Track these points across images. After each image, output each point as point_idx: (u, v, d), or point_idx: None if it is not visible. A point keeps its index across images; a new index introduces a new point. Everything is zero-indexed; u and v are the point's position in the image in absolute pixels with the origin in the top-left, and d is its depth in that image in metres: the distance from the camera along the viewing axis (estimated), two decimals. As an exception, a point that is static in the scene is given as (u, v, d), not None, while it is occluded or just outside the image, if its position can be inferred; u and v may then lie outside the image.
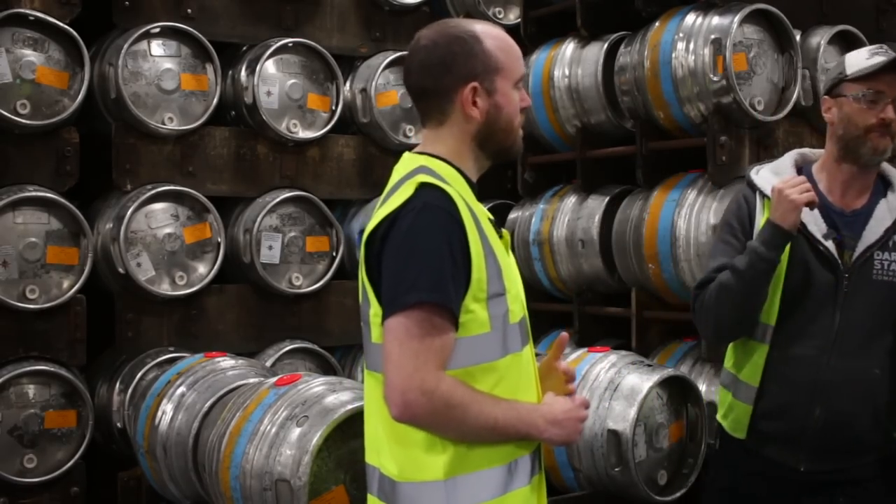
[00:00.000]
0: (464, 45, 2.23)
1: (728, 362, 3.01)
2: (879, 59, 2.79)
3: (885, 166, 2.94)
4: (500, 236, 2.27)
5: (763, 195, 2.88)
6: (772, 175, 2.90)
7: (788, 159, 2.97)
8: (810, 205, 2.73)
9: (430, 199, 2.13)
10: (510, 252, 2.30)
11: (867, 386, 2.82)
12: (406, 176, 2.20)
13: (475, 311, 2.14)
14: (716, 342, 3.63)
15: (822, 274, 2.82)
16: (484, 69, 2.23)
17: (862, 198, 2.88)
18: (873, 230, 2.83)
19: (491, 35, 2.27)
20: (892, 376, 2.84)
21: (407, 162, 2.27)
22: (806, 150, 3.02)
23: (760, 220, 2.85)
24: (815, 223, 2.82)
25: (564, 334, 2.39)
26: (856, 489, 2.87)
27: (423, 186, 2.14)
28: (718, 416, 3.04)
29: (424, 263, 2.09)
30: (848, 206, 2.88)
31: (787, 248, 2.79)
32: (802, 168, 2.95)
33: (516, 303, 2.23)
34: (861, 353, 2.82)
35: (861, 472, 2.87)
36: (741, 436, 2.92)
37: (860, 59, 2.83)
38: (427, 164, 2.22)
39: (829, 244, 2.82)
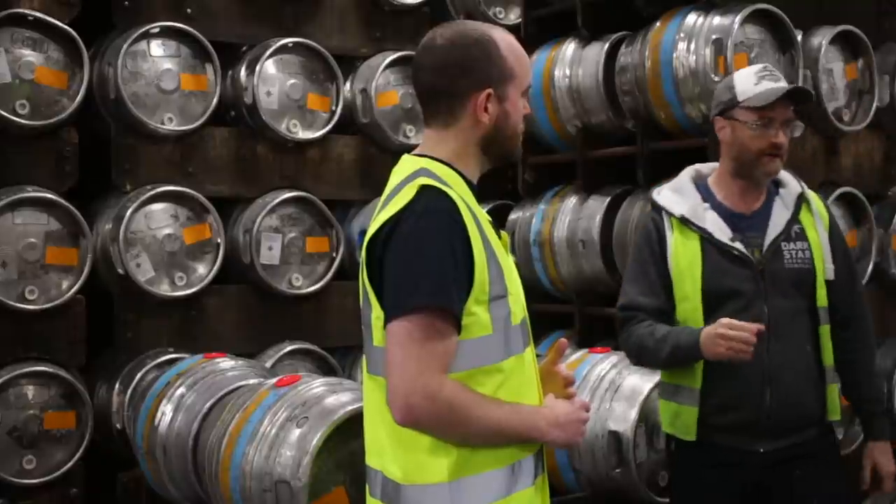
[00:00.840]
0: (483, 50, 2.22)
1: (664, 374, 3.18)
2: (768, 86, 3.02)
3: None
4: (500, 238, 2.26)
5: (669, 214, 3.09)
6: (672, 193, 3.14)
7: (686, 176, 3.19)
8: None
9: (432, 202, 2.12)
10: (509, 253, 2.29)
11: (805, 363, 3.04)
12: (407, 179, 2.19)
13: (477, 313, 2.14)
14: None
15: (740, 272, 3.02)
16: (499, 76, 2.23)
17: (759, 200, 3.11)
18: (776, 224, 3.07)
19: (507, 42, 2.27)
20: (815, 347, 3.06)
21: (406, 164, 2.26)
22: (699, 166, 3.23)
23: (671, 239, 3.07)
24: (720, 230, 3.05)
25: (563, 340, 2.39)
26: (809, 461, 3.04)
27: (424, 189, 2.14)
28: (665, 427, 3.18)
29: (426, 267, 2.08)
30: (748, 208, 3.09)
31: (700, 258, 3.03)
32: (698, 184, 3.15)
33: (517, 304, 2.23)
34: (793, 335, 3.03)
35: (812, 446, 3.05)
36: (691, 438, 3.06)
37: (748, 85, 3.05)
38: (427, 167, 2.22)
39: (738, 245, 3.03)
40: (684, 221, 3.07)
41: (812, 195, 3.15)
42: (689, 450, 3.09)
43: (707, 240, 3.04)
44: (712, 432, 3.03)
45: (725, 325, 2.86)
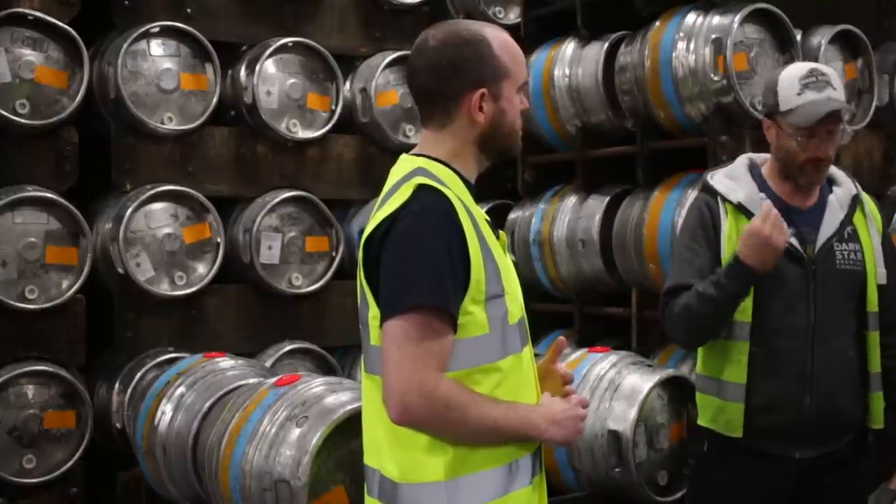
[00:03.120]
0: (475, 50, 2.22)
1: (703, 367, 3.09)
2: (810, 99, 2.91)
3: None
4: (497, 237, 2.26)
5: (725, 199, 2.99)
6: (727, 179, 3.04)
7: (741, 164, 3.09)
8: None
9: (428, 201, 2.13)
10: (507, 253, 2.29)
11: (847, 369, 2.98)
12: (403, 178, 2.19)
13: (474, 312, 2.14)
14: (688, 348, 3.79)
15: (791, 269, 2.93)
16: (493, 75, 2.23)
17: (812, 196, 3.03)
18: (830, 223, 2.99)
19: (500, 40, 2.26)
20: (861, 353, 3.00)
21: (404, 164, 2.27)
22: (753, 155, 3.13)
23: (725, 225, 2.97)
24: None
25: (561, 338, 2.39)
26: (841, 469, 2.99)
27: (420, 189, 2.14)
28: (704, 422, 3.09)
29: (423, 266, 2.08)
30: (802, 203, 3.02)
31: None
32: (753, 173, 3.06)
33: (515, 304, 2.23)
34: (838, 339, 2.96)
35: (845, 452, 3.00)
36: (738, 434, 2.98)
37: (791, 93, 2.94)
38: (424, 167, 2.22)
39: (793, 240, 2.93)
40: (741, 208, 2.97)
41: (866, 197, 3.09)
42: (729, 447, 3.00)
43: None
44: (756, 433, 2.96)
45: (755, 230, 2.78)
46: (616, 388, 3.93)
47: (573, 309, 5.26)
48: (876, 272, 3.00)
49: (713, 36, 4.47)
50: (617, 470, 3.85)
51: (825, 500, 2.98)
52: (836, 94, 2.94)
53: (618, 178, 5.14)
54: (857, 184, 3.09)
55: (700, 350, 3.11)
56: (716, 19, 4.53)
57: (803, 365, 2.91)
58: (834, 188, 3.05)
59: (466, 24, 2.31)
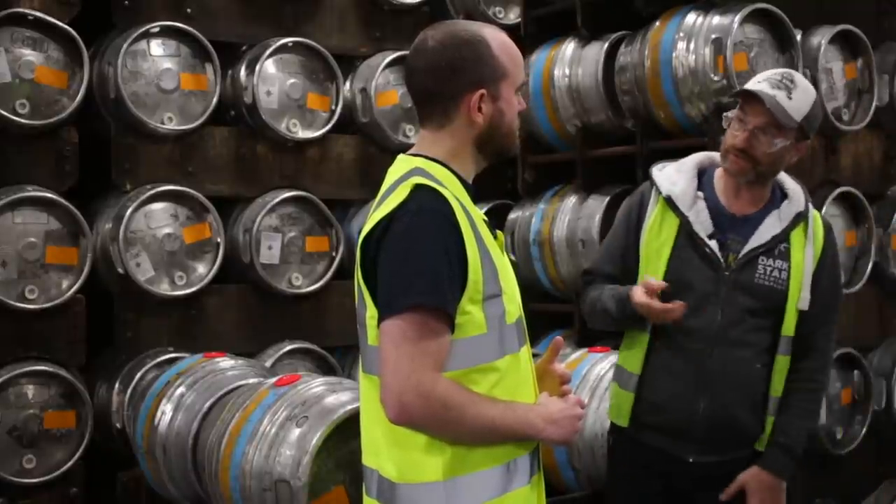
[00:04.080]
0: (474, 50, 2.22)
1: (619, 357, 3.13)
2: (761, 88, 2.88)
3: (784, 178, 3.06)
4: (495, 237, 2.26)
5: (658, 191, 3.01)
6: (674, 172, 3.04)
7: (693, 160, 3.09)
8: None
9: (426, 201, 2.13)
10: (504, 253, 2.30)
11: (748, 379, 2.95)
12: (401, 178, 2.19)
13: (471, 312, 2.14)
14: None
15: (705, 272, 2.94)
16: (492, 75, 2.23)
17: (756, 205, 3.00)
18: (760, 235, 2.96)
19: (499, 41, 2.26)
20: (768, 372, 2.96)
21: (401, 164, 2.27)
22: (714, 154, 3.11)
23: (650, 215, 3.00)
24: (701, 223, 2.96)
25: (559, 338, 2.39)
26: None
27: (418, 189, 2.14)
28: (609, 414, 3.14)
29: (420, 266, 2.09)
30: (740, 210, 2.99)
31: (671, 243, 2.96)
32: (706, 171, 3.06)
33: (512, 303, 2.23)
34: (742, 349, 2.94)
35: (741, 465, 2.97)
36: (623, 423, 3.02)
37: (754, 81, 2.95)
38: (422, 167, 2.22)
39: (713, 244, 2.94)
40: (668, 202, 2.99)
41: (815, 216, 3.03)
42: (623, 443, 3.05)
43: (685, 228, 2.96)
44: (642, 427, 2.99)
45: (645, 305, 2.84)
46: (616, 388, 3.92)
47: (573, 309, 5.26)
48: (799, 296, 2.94)
49: (713, 36, 4.48)
50: (617, 470, 3.84)
51: None
52: (785, 99, 2.87)
53: (618, 178, 5.14)
54: (810, 202, 3.04)
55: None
56: (716, 19, 4.54)
57: (701, 368, 2.92)
58: (784, 202, 3.01)
59: (465, 24, 2.31)
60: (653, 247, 2.98)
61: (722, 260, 2.94)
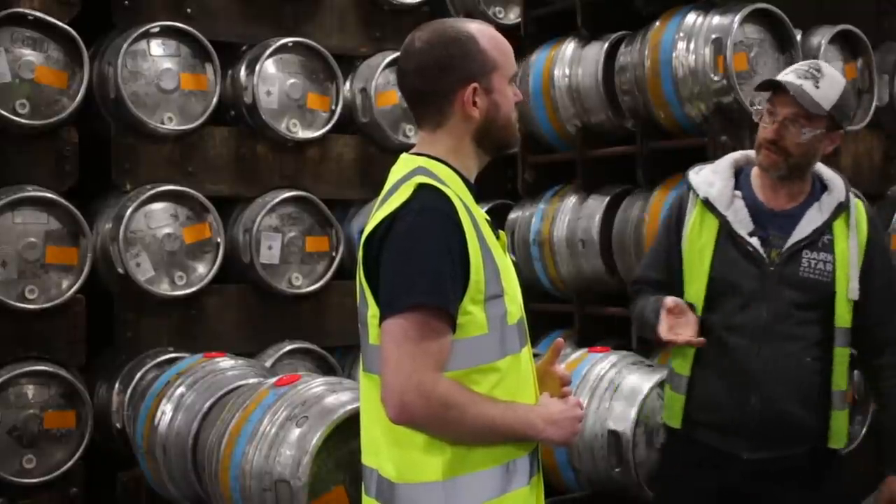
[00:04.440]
0: (461, 47, 2.23)
1: (670, 359, 3.17)
2: (788, 79, 2.92)
3: (823, 170, 3.07)
4: (497, 237, 2.26)
5: (696, 194, 3.04)
6: (710, 174, 3.06)
7: (728, 160, 3.11)
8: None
9: (428, 200, 2.13)
10: (506, 253, 2.30)
11: (797, 373, 2.94)
12: (404, 177, 2.19)
13: (473, 312, 2.14)
14: None
15: (749, 269, 2.96)
16: (482, 69, 2.23)
17: (795, 200, 3.01)
18: (802, 229, 2.96)
19: (486, 35, 2.27)
20: (824, 366, 2.96)
21: (404, 163, 2.27)
22: (750, 153, 3.12)
23: (689, 219, 3.03)
24: (740, 222, 2.98)
25: (560, 340, 2.39)
26: (799, 482, 2.98)
27: (421, 188, 2.14)
28: (663, 416, 3.20)
29: (422, 266, 2.09)
30: (779, 206, 3.01)
31: (713, 245, 2.99)
32: (743, 169, 3.08)
33: (514, 304, 2.23)
34: (790, 344, 2.94)
35: (799, 462, 2.97)
36: (676, 425, 3.04)
37: (782, 72, 2.99)
38: (425, 166, 2.22)
39: (755, 241, 2.96)
40: (706, 204, 3.00)
41: (858, 205, 3.02)
42: (675, 443, 3.09)
43: (725, 228, 2.98)
44: (695, 427, 3.01)
45: (665, 329, 2.89)
46: (616, 388, 3.93)
47: (573, 309, 5.25)
48: (847, 286, 2.95)
49: (713, 36, 4.47)
50: (617, 470, 3.85)
51: None
52: (812, 88, 2.89)
53: (618, 178, 5.13)
54: (851, 191, 3.05)
55: None
56: (716, 19, 4.53)
57: (749, 364, 2.93)
58: (823, 195, 3.02)
59: (452, 21, 2.32)
60: (695, 249, 3.00)
61: (765, 256, 2.96)
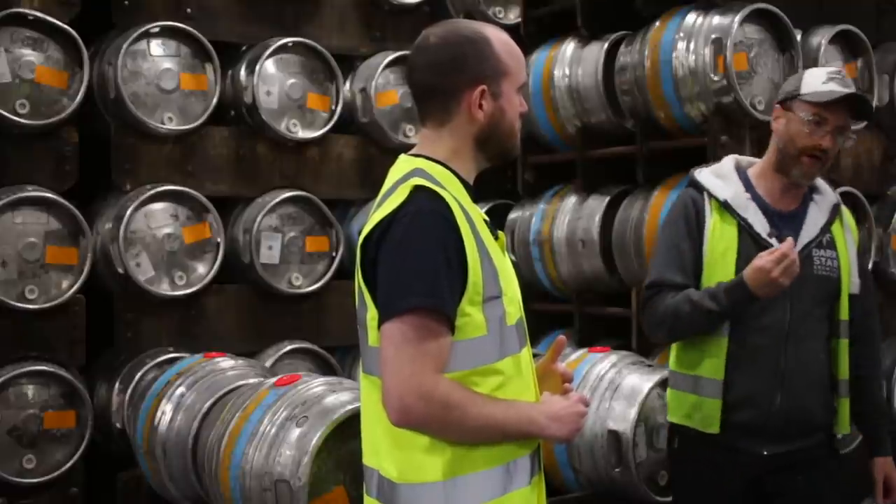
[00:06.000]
0: (475, 47, 2.23)
1: (678, 364, 3.15)
2: (834, 88, 2.98)
3: None
4: (496, 238, 2.26)
5: (711, 196, 3.06)
6: (714, 177, 3.10)
7: (729, 163, 3.15)
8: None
9: (425, 202, 2.13)
10: (506, 254, 2.30)
11: (818, 370, 3.05)
12: (401, 179, 2.19)
13: (471, 314, 2.14)
14: (662, 343, 3.84)
15: None
16: (493, 72, 2.23)
17: (797, 201, 3.10)
18: (810, 229, 3.06)
19: (500, 39, 2.27)
20: (829, 358, 3.08)
21: (402, 165, 2.27)
22: (739, 157, 3.20)
23: (709, 221, 3.03)
24: (760, 223, 3.03)
25: (562, 337, 2.39)
26: (812, 468, 3.05)
27: (417, 190, 2.14)
28: (675, 419, 3.16)
29: (419, 268, 2.09)
30: (785, 208, 3.08)
31: (735, 246, 3.00)
32: (740, 173, 3.12)
33: (513, 305, 2.22)
34: (810, 341, 3.03)
35: (815, 453, 3.07)
36: (715, 430, 3.04)
37: (817, 82, 3.01)
38: (422, 167, 2.22)
39: (774, 241, 2.99)
40: (726, 207, 3.03)
41: (845, 208, 3.16)
42: (698, 444, 3.08)
43: (745, 230, 3.01)
44: (732, 429, 3.02)
45: (771, 266, 2.82)
46: (616, 388, 3.93)
47: (573, 309, 5.26)
48: (850, 281, 3.07)
49: (713, 36, 4.48)
50: (617, 470, 3.85)
51: (795, 499, 3.04)
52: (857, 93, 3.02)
53: (618, 178, 5.14)
54: (837, 194, 3.16)
55: (674, 346, 3.18)
56: (716, 19, 4.54)
57: (777, 363, 2.99)
58: (815, 196, 3.11)
59: (467, 22, 2.33)
60: (718, 251, 3.02)
61: None
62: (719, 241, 3.02)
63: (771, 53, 4.61)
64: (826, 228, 3.07)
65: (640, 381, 3.92)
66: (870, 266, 4.93)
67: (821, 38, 4.78)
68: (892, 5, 5.25)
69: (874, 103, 4.91)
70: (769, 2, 4.58)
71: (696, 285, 3.04)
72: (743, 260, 2.98)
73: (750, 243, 3.00)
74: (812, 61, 4.71)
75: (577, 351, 4.31)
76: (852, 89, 3.00)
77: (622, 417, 3.85)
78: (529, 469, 2.23)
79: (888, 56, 5.09)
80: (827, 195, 3.12)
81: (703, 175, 3.11)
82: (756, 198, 3.05)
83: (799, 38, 4.69)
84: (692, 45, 4.55)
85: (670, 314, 3.01)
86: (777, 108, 3.07)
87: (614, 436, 3.84)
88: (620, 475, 3.85)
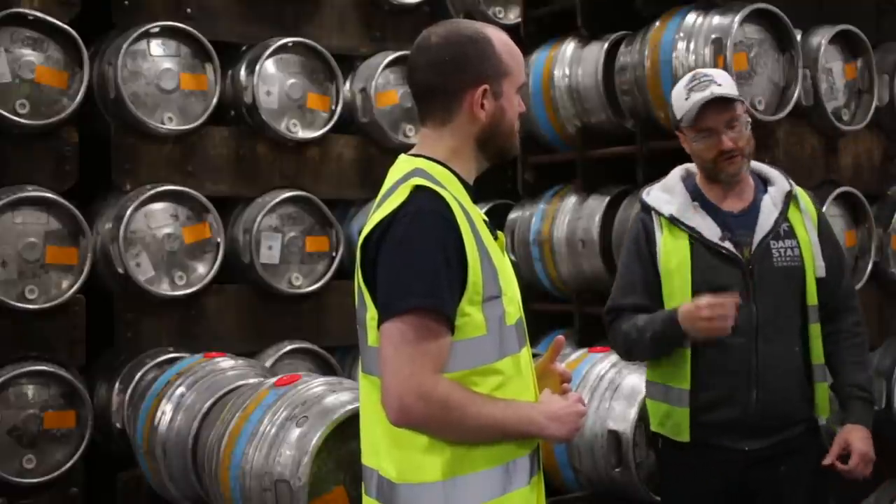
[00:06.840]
0: (477, 47, 2.23)
1: (651, 374, 3.19)
2: (695, 98, 3.03)
3: (759, 166, 3.21)
4: (496, 238, 2.26)
5: (659, 214, 3.11)
6: (663, 193, 3.15)
7: (675, 176, 3.20)
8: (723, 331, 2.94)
9: (425, 202, 2.13)
10: (505, 254, 2.30)
11: (792, 364, 3.07)
12: (401, 179, 2.19)
13: (471, 314, 2.14)
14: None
15: (729, 272, 3.03)
16: (494, 72, 2.24)
17: (746, 198, 3.12)
18: (764, 223, 3.07)
19: (501, 39, 2.28)
20: (804, 346, 3.09)
21: (402, 165, 2.27)
22: (689, 165, 3.23)
23: (660, 239, 3.08)
24: (708, 229, 3.06)
25: (560, 337, 2.39)
26: (794, 459, 3.08)
27: (417, 190, 2.14)
28: (654, 426, 3.20)
29: (419, 268, 2.09)
30: (735, 207, 3.10)
31: (689, 257, 3.04)
32: (687, 183, 3.16)
33: (512, 305, 2.22)
34: (782, 337, 3.05)
35: (796, 444, 3.08)
36: (685, 438, 3.08)
37: (680, 101, 3.09)
38: (422, 167, 2.22)
39: (727, 244, 3.04)
40: (673, 221, 3.08)
41: (800, 191, 3.17)
42: (676, 449, 3.11)
43: (696, 239, 3.05)
44: (704, 431, 3.05)
45: (703, 305, 2.87)
46: (616, 388, 3.93)
47: (573, 309, 5.26)
48: (815, 265, 3.08)
49: (713, 36, 4.48)
50: (617, 470, 3.85)
51: (780, 490, 3.05)
52: (721, 88, 3.03)
53: (618, 178, 5.14)
54: (790, 180, 3.17)
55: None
56: (716, 19, 4.54)
57: (748, 363, 3.01)
58: (769, 188, 3.14)
59: (468, 22, 2.33)
60: (672, 266, 3.06)
61: (740, 256, 3.03)
62: (672, 255, 3.06)
63: (771, 53, 4.61)
64: (781, 219, 3.08)
65: (640, 381, 3.91)
66: (869, 266, 4.92)
67: (821, 38, 4.77)
68: (892, 5, 5.24)
69: (874, 103, 4.92)
70: (769, 2, 4.58)
71: (655, 304, 3.08)
72: (699, 269, 3.03)
73: (703, 251, 3.04)
74: (812, 61, 4.71)
75: (576, 351, 4.30)
76: (709, 88, 3.01)
77: (622, 417, 3.85)
78: (529, 469, 2.23)
79: (888, 56, 5.09)
80: (779, 184, 3.14)
81: (651, 195, 3.16)
82: (706, 204, 3.09)
83: (799, 38, 4.68)
84: (692, 45, 4.55)
85: (626, 339, 3.11)
86: (679, 134, 3.14)
87: (614, 436, 3.84)
88: (620, 475, 3.85)
